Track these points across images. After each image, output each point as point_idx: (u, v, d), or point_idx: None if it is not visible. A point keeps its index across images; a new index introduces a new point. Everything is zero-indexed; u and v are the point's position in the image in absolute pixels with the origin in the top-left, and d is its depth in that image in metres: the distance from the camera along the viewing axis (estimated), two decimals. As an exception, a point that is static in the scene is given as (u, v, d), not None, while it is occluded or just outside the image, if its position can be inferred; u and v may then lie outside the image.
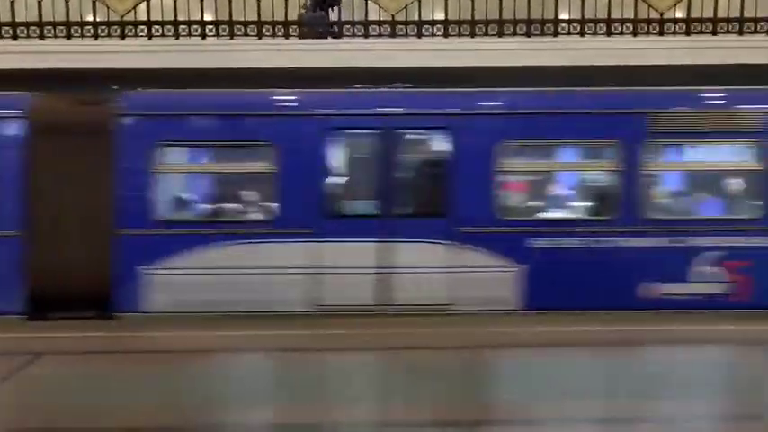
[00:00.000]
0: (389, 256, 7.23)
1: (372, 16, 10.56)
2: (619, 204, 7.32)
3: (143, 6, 10.40)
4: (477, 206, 7.25)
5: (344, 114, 7.47)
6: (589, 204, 7.81)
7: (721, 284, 7.12)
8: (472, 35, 10.38)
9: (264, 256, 7.11)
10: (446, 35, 10.43)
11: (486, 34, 10.36)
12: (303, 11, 10.72)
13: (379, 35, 10.46)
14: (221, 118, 7.46)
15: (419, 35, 10.49)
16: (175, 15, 10.39)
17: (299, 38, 10.52)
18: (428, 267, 7.18)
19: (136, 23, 10.40)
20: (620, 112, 7.39)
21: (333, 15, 10.67)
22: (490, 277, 7.21)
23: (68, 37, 10.14)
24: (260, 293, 6.97)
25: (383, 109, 7.46)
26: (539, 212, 7.83)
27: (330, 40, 10.51)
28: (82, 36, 10.22)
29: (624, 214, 7.25)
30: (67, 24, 10.22)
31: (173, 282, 7.02)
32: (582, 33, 10.38)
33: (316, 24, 10.51)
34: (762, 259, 7.09)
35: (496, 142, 7.25)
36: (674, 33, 10.35)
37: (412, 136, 7.76)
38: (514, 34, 10.37)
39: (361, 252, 7.21)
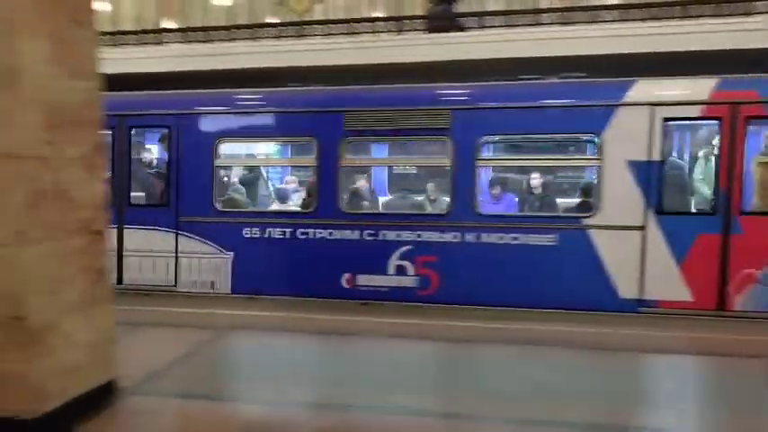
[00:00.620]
0: (124, 241, 8.16)
1: (544, 3, 10.26)
2: (320, 198, 7.64)
3: (320, 6, 10.97)
4: (195, 198, 7.99)
5: None
6: (294, 198, 8.49)
7: (412, 278, 7.27)
8: (654, 18, 9.70)
9: None
10: (623, 20, 9.85)
11: (668, 17, 9.63)
12: (430, 4, 10.73)
13: (551, 23, 10.13)
14: None
15: (592, 21, 10.01)
16: (348, 14, 10.82)
17: (428, 31, 10.53)
18: (155, 252, 8.02)
19: (312, 23, 10.98)
20: (320, 110, 7.74)
21: (458, 7, 10.57)
22: (205, 263, 7.91)
23: (254, 38, 10.92)
24: None
25: (115, 109, 7.72)
26: (248, 205, 8.55)
27: (495, 30, 10.36)
28: (265, 37, 10.96)
29: (324, 207, 7.58)
30: (252, 26, 11.05)
31: None
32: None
33: (441, 18, 10.54)
34: (447, 255, 7.17)
35: (210, 140, 7.94)
36: None
37: (141, 133, 8.71)
38: (700, 16, 9.53)
39: None
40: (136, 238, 8.19)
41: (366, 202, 8.19)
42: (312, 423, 3.97)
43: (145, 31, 11.71)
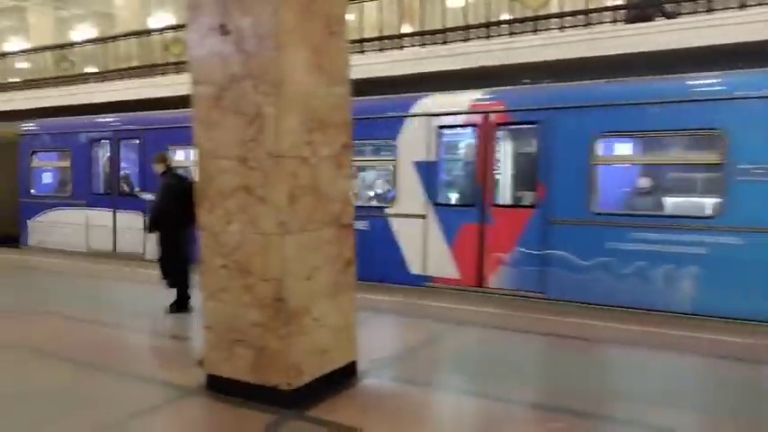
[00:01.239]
0: None
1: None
2: None
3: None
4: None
5: None
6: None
7: None
8: None
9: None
10: None
11: None
12: None
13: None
14: None
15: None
16: (587, 4, 10.34)
17: (626, 22, 9.69)
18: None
19: (542, 18, 10.68)
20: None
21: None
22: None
23: (488, 36, 10.97)
24: None
25: None
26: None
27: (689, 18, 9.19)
28: (499, 35, 10.94)
29: None
30: (487, 25, 11.10)
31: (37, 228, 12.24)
32: None
33: (642, 7, 9.61)
34: None
35: None
36: None
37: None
38: None
39: None
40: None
41: None
42: (533, 425, 3.90)
43: (384, 37, 12.37)
